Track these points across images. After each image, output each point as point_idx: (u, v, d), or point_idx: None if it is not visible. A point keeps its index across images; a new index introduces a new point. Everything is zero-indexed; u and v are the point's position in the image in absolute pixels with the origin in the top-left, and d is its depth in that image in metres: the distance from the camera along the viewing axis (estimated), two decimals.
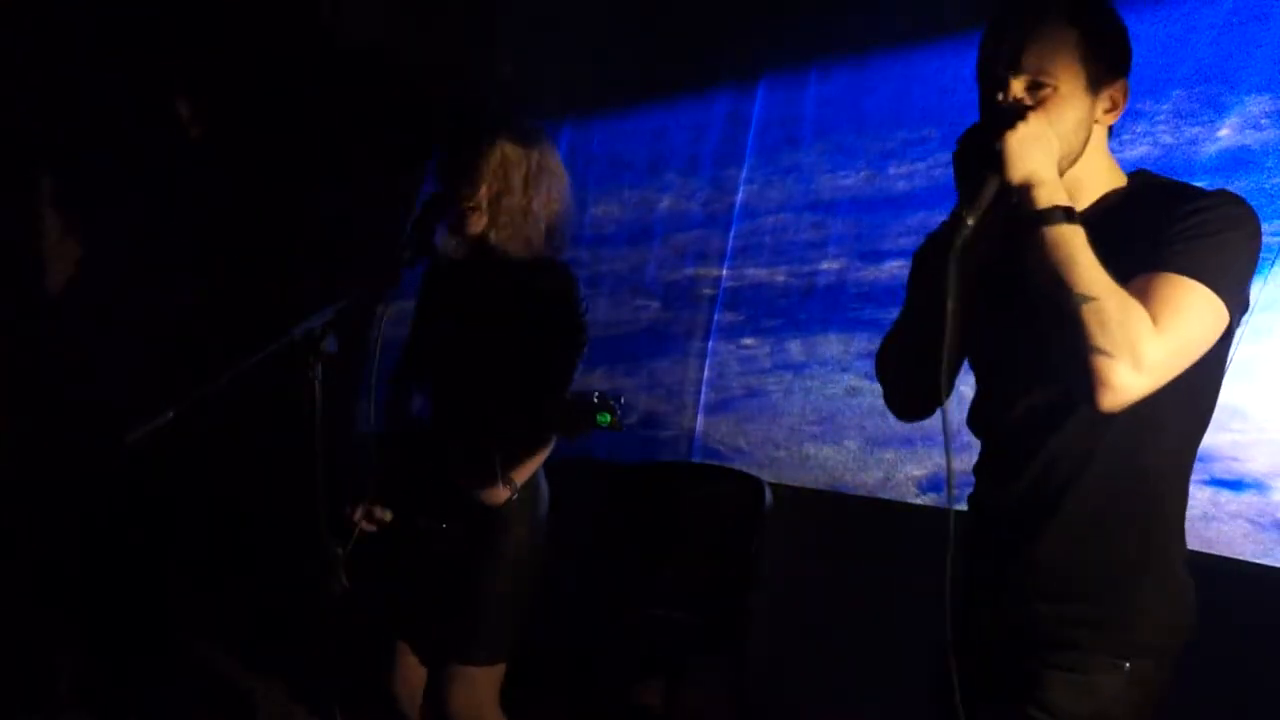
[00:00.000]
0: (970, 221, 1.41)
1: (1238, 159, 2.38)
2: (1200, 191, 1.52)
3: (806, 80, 3.28)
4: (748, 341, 3.29)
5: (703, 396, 3.37)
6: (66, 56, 3.74)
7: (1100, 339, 1.35)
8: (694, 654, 2.68)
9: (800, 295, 3.20)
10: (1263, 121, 2.38)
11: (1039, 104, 1.47)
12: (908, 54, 3.06)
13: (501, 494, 2.20)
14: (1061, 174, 1.46)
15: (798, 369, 3.16)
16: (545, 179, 2.30)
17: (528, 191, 2.27)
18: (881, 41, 3.11)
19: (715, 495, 2.95)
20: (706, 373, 3.38)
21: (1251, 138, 2.40)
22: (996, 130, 1.42)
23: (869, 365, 2.89)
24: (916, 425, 2.62)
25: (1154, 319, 1.36)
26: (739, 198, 3.39)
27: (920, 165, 2.97)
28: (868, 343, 2.98)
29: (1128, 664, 1.51)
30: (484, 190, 2.26)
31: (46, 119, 3.70)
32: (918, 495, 2.82)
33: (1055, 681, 1.52)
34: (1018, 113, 1.43)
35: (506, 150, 2.27)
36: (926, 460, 2.83)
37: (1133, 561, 1.53)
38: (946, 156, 2.92)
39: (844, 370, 3.07)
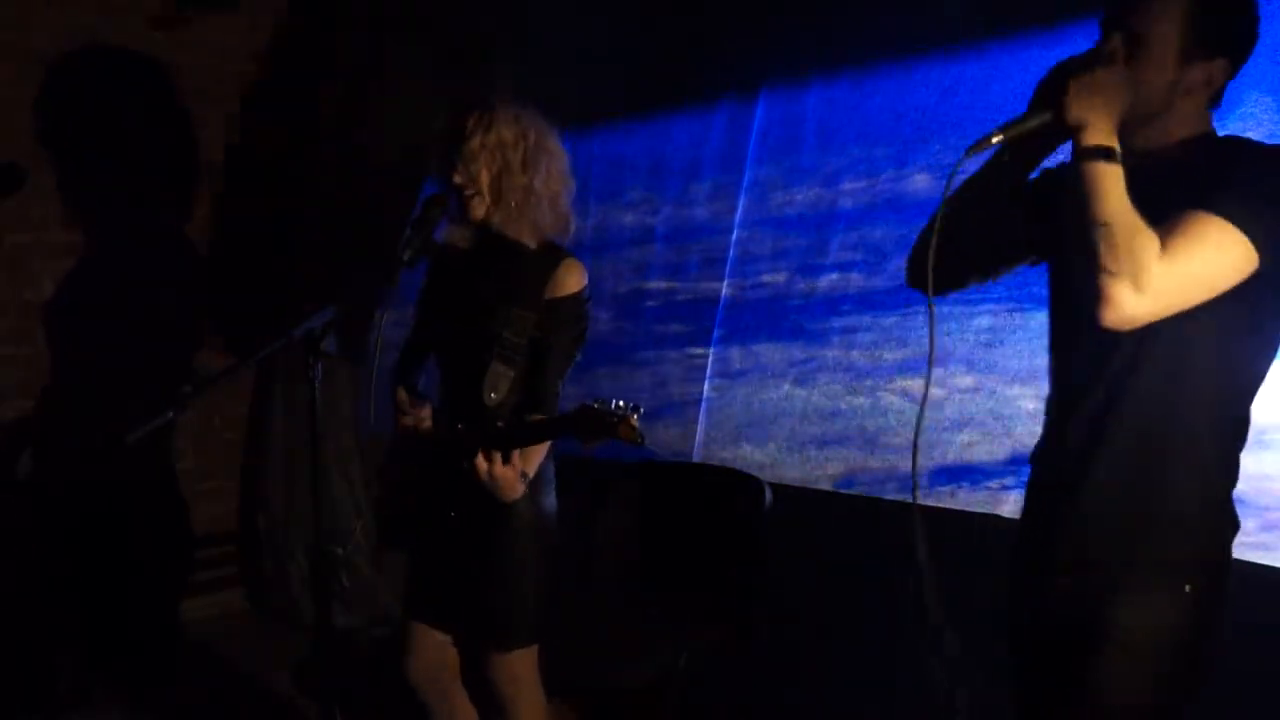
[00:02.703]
0: (994, 139, 1.57)
1: None
2: (1257, 145, 1.63)
3: (807, 89, 3.31)
4: (694, 351, 3.51)
5: (703, 403, 3.43)
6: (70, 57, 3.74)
7: (1107, 259, 1.47)
8: (694, 652, 2.68)
9: (745, 306, 3.39)
10: (1264, 121, 2.39)
11: (1130, 58, 1.57)
12: (908, 56, 3.07)
13: (520, 488, 2.21)
14: (1133, 127, 1.58)
15: (735, 376, 3.38)
16: (544, 157, 2.29)
17: (527, 170, 2.26)
18: (882, 45, 3.12)
19: (715, 494, 2.95)
20: (707, 381, 3.44)
21: (1253, 138, 2.39)
22: (1070, 71, 1.55)
23: (798, 371, 3.23)
24: (832, 429, 3.07)
25: (1165, 247, 1.47)
26: (738, 211, 3.44)
27: (863, 182, 3.11)
28: (800, 351, 3.23)
29: (1188, 586, 1.61)
30: (484, 174, 2.25)
31: (48, 118, 3.71)
32: (834, 491, 3.07)
33: (1122, 605, 1.62)
34: (1093, 61, 1.56)
35: (502, 132, 2.25)
36: (839, 461, 3.09)
37: (1181, 491, 1.63)
38: (893, 173, 3.03)
39: (777, 377, 3.28)
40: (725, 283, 3.45)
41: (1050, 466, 1.78)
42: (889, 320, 3.02)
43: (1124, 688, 1.62)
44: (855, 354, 3.09)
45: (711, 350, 3.45)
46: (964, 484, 2.84)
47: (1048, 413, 1.82)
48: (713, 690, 3.03)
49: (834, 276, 3.15)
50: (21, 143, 3.63)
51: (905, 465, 2.90)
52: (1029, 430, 2.63)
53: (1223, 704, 2.00)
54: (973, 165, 1.68)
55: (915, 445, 1.63)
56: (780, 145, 3.35)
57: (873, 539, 2.97)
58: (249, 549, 4.34)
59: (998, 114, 2.80)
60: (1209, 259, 1.49)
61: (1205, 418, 1.63)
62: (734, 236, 3.45)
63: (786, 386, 3.25)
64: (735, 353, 3.38)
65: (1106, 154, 1.50)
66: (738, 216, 3.45)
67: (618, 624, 2.86)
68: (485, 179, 2.25)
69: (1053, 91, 1.56)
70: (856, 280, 3.09)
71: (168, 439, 4.04)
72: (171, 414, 1.98)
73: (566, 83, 3.47)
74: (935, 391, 2.88)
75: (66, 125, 3.74)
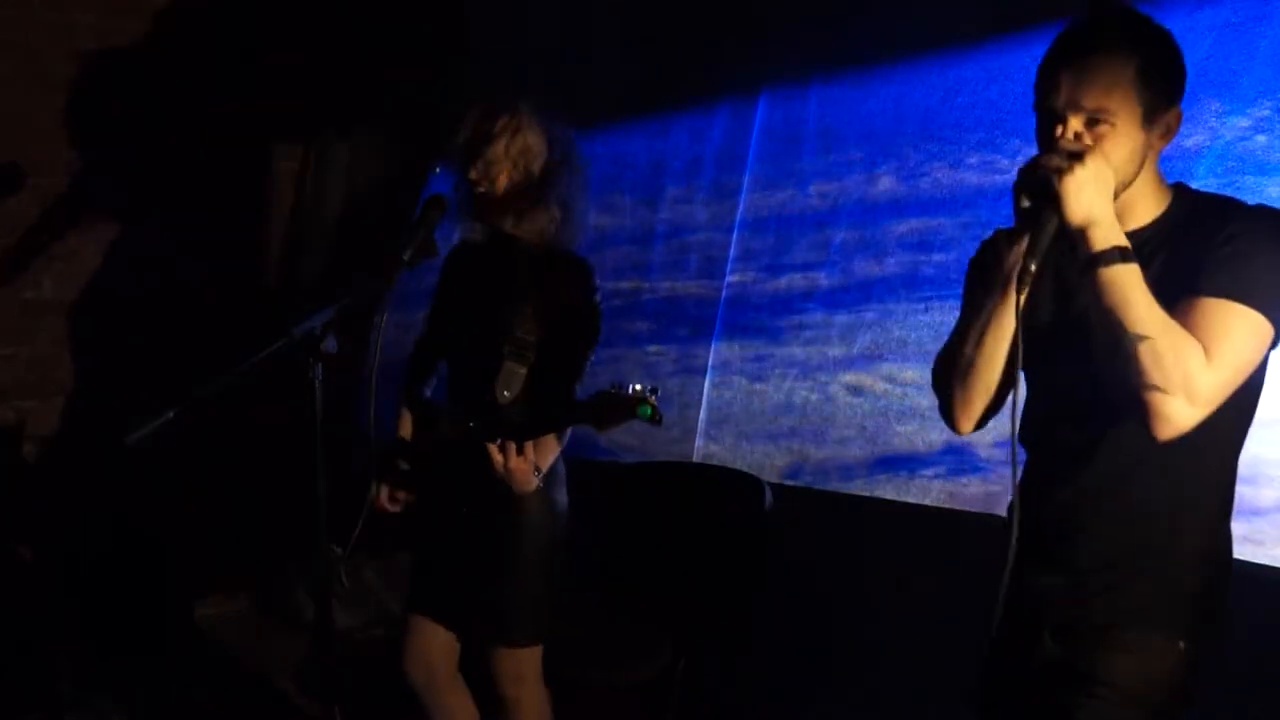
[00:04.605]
0: (1033, 268, 1.47)
1: (1240, 161, 2.38)
2: (1240, 208, 1.56)
3: (808, 90, 3.33)
4: (654, 349, 3.60)
5: (704, 403, 3.46)
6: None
7: (1155, 377, 1.42)
8: (694, 652, 2.68)
9: (710, 306, 3.48)
10: (1263, 123, 2.38)
11: (1096, 140, 1.51)
12: (910, 57, 3.08)
13: (534, 481, 2.21)
14: (1115, 198, 1.50)
15: (698, 373, 3.48)
16: (565, 171, 2.31)
17: (546, 182, 2.28)
18: (883, 46, 3.13)
19: (715, 494, 2.95)
20: (708, 380, 3.47)
21: (1253, 139, 2.40)
22: (1056, 173, 1.46)
23: (756, 368, 3.33)
24: (777, 423, 3.17)
25: (1205, 349, 1.43)
26: (739, 210, 3.47)
27: (863, 183, 3.14)
28: (757, 349, 3.33)
29: (1182, 644, 1.59)
30: (503, 178, 2.26)
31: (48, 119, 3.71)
32: (782, 481, 3.15)
33: (1115, 661, 1.59)
34: (1076, 154, 1.47)
35: (529, 140, 2.27)
36: (786, 453, 3.21)
37: (1184, 546, 1.61)
38: (894, 174, 3.08)
39: (735, 374, 3.39)
40: (725, 282, 3.47)
41: (1035, 525, 1.66)
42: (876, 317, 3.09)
43: None
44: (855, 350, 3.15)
45: (712, 349, 3.47)
46: (901, 472, 2.95)
47: (1026, 481, 1.72)
48: (712, 689, 3.03)
49: (836, 275, 3.18)
50: (21, 143, 3.63)
51: (848, 456, 3.04)
52: None
53: (1223, 704, 2.01)
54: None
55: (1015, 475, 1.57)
56: (781, 146, 3.36)
57: (874, 539, 2.97)
58: (250, 549, 4.34)
59: (999, 114, 2.85)
60: (1243, 351, 1.46)
61: (1217, 465, 1.62)
62: (734, 236, 3.46)
63: (739, 382, 3.37)
64: (736, 351, 3.42)
65: (1123, 254, 1.45)
66: (738, 216, 3.46)
67: (617, 623, 2.87)
68: (503, 183, 2.27)
69: (1044, 197, 1.48)
70: (858, 278, 3.13)
71: (168, 439, 4.03)
72: (171, 414, 1.97)
73: (568, 82, 3.48)
74: (880, 385, 3.00)
75: (67, 125, 3.74)
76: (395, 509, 2.43)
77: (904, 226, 3.02)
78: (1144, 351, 1.42)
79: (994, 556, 1.97)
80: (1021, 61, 2.80)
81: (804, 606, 3.02)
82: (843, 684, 2.92)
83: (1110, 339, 1.46)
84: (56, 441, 3.78)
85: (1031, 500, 1.64)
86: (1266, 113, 2.38)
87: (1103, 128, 1.51)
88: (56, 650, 3.58)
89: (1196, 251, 1.51)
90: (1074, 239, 1.48)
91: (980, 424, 1.73)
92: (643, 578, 2.95)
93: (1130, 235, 1.52)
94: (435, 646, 2.44)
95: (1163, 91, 1.55)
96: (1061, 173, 1.46)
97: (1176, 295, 1.47)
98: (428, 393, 2.56)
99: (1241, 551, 1.81)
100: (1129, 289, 1.44)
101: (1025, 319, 1.50)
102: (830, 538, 3.04)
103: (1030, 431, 1.71)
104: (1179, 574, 1.61)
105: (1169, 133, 1.58)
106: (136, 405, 2.05)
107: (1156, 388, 1.42)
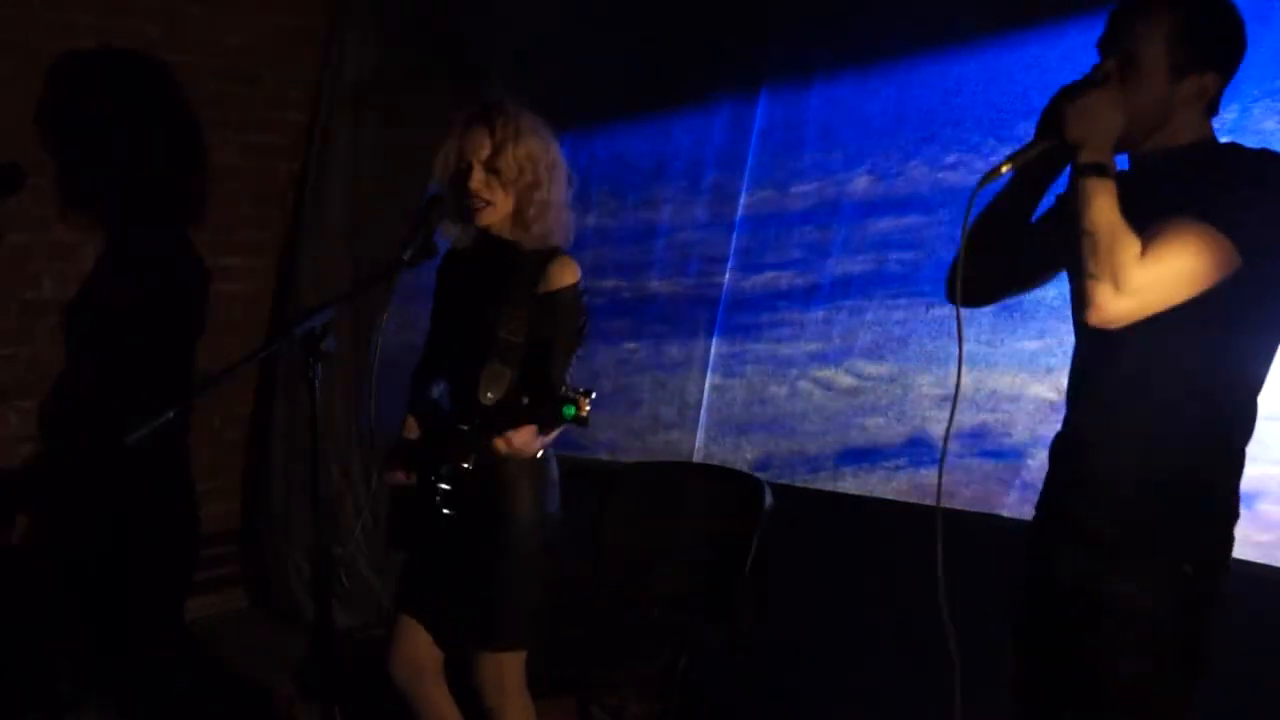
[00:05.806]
0: (1004, 169, 1.69)
1: None
2: (1244, 151, 1.70)
3: (809, 90, 3.34)
4: (630, 346, 3.69)
5: (703, 410, 3.47)
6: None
7: (1090, 263, 1.59)
8: (692, 653, 2.68)
9: (709, 305, 3.55)
10: (1265, 124, 2.39)
11: (1123, 78, 1.67)
12: (910, 57, 3.08)
13: (534, 444, 2.18)
14: (1136, 141, 1.70)
15: (671, 369, 3.57)
16: (558, 171, 2.33)
17: (548, 185, 2.30)
18: (884, 46, 3.13)
19: (715, 494, 2.95)
20: (708, 379, 3.48)
21: (1254, 139, 2.40)
22: (1066, 96, 1.67)
23: (731, 364, 3.44)
24: (749, 420, 3.32)
25: (1146, 250, 1.57)
26: (739, 210, 3.49)
27: (864, 183, 3.19)
28: (729, 346, 3.44)
29: (1187, 566, 1.68)
30: (509, 185, 2.27)
31: (49, 118, 3.70)
32: (835, 491, 3.22)
33: (1122, 579, 1.70)
34: (1088, 84, 1.67)
35: (531, 145, 2.28)
36: (758, 445, 3.32)
37: (1192, 472, 1.70)
38: (894, 174, 3.14)
39: (709, 370, 3.47)
40: (724, 280, 3.47)
41: (1064, 453, 1.86)
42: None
43: (1121, 658, 1.69)
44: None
45: (712, 346, 3.48)
46: (864, 464, 3.03)
47: (1066, 405, 1.90)
48: (712, 689, 3.03)
49: (835, 273, 3.20)
50: (21, 142, 3.63)
51: (814, 448, 3.16)
52: (930, 414, 2.90)
53: (1223, 704, 2.01)
54: (989, 191, 1.79)
55: (943, 453, 1.76)
56: (781, 145, 3.37)
57: (873, 538, 2.98)
58: (250, 548, 4.34)
59: (999, 114, 2.86)
60: (1188, 260, 1.57)
61: (1209, 412, 1.69)
62: (733, 235, 3.47)
63: (713, 378, 3.46)
64: (735, 348, 3.44)
65: (1098, 169, 1.60)
66: (738, 215, 3.46)
67: (618, 623, 2.87)
68: (511, 190, 2.27)
69: (1054, 116, 1.67)
70: (859, 278, 3.16)
71: (168, 439, 4.03)
72: (171, 414, 1.97)
73: (568, 82, 3.48)
74: (848, 380, 3.11)
75: (67, 125, 3.74)
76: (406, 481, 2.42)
77: (899, 226, 3.04)
78: (1086, 243, 1.59)
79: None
80: (1022, 60, 2.81)
81: (805, 606, 3.02)
82: (843, 683, 2.92)
83: (1074, 243, 1.62)
84: (56, 441, 3.77)
85: (1070, 414, 1.86)
86: (1269, 112, 2.40)
87: (1131, 71, 1.67)
88: (56, 650, 3.58)
89: (1194, 186, 1.62)
90: (1071, 154, 1.65)
91: (975, 302, 1.96)
92: (642, 577, 2.95)
93: (1162, 151, 1.71)
94: (421, 647, 2.44)
95: (1196, 54, 1.68)
96: (1069, 97, 1.65)
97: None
98: (435, 394, 2.56)
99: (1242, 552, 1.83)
100: (1094, 195, 1.59)
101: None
102: (831, 537, 3.05)
103: (1076, 347, 1.87)
104: (1186, 502, 1.70)
105: (1203, 95, 1.70)
106: (136, 405, 2.05)
107: (1089, 274, 1.58)
